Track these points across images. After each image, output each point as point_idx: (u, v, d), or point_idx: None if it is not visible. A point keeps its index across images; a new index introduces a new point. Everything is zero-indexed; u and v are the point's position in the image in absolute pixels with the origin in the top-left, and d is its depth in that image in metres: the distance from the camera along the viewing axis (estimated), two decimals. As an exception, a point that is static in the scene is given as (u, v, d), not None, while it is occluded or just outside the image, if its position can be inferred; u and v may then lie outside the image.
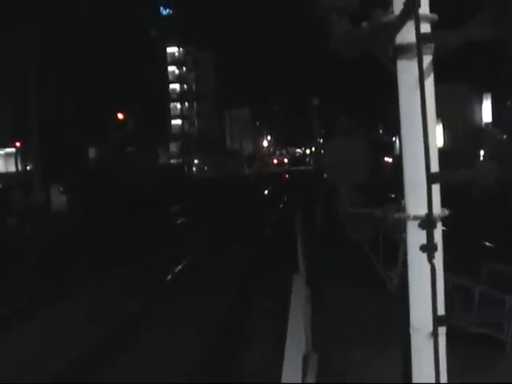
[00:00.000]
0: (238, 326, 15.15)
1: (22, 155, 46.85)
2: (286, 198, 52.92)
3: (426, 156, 2.95)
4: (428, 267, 3.01)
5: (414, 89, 3.21)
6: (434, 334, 3.05)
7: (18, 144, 47.21)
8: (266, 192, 64.80)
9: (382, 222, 3.46)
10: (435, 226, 3.04)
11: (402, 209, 3.27)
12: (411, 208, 3.24)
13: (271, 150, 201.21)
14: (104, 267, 23.11)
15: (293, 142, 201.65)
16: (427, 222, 2.97)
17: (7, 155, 56.05)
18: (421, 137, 3.12)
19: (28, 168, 45.36)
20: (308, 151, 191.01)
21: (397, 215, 3.29)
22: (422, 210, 3.09)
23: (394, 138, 61.88)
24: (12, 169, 50.75)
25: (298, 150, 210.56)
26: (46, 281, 20.58)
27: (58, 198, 38.41)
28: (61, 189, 39.61)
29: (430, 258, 2.94)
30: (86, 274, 21.90)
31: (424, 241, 3.02)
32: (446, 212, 3.23)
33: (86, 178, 50.26)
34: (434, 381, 3.10)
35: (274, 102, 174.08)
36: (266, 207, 45.31)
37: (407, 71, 3.34)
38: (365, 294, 13.75)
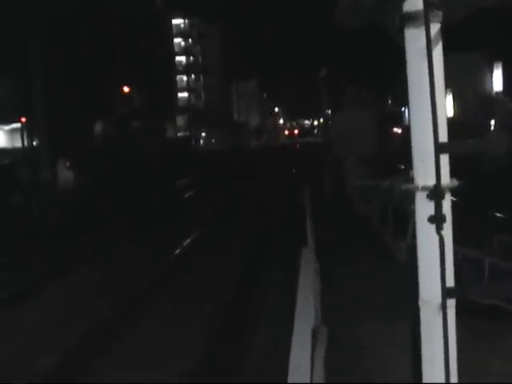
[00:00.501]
0: (246, 296, 15.14)
1: (28, 131, 46.72)
2: (294, 170, 52.89)
3: (434, 126, 2.89)
4: (437, 239, 2.99)
5: (422, 58, 3.16)
6: (443, 306, 3.03)
7: (23, 119, 47.05)
8: (273, 164, 64.68)
9: (389, 194, 3.39)
10: (443, 197, 3.00)
11: (411, 179, 3.19)
12: (420, 179, 3.16)
13: (279, 122, 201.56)
14: (111, 243, 23.13)
15: (300, 113, 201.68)
16: (435, 193, 2.92)
17: (13, 131, 55.98)
18: (429, 106, 3.08)
19: (34, 144, 45.26)
20: (316, 123, 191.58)
21: (405, 186, 3.22)
22: (431, 181, 3.06)
23: (402, 109, 61.53)
24: (18, 144, 50.70)
25: (306, 122, 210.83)
26: (54, 257, 20.59)
27: (65, 174, 38.37)
28: (67, 164, 39.57)
29: (439, 230, 2.92)
30: (93, 249, 21.92)
31: (433, 212, 3.00)
32: (456, 182, 3.16)
33: (92, 153, 50.22)
34: (443, 354, 3.08)
35: (281, 73, 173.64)
36: (274, 179, 45.24)
37: (415, 40, 3.24)
38: (374, 267, 13.69)
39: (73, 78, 51.47)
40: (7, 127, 57.40)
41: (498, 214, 20.49)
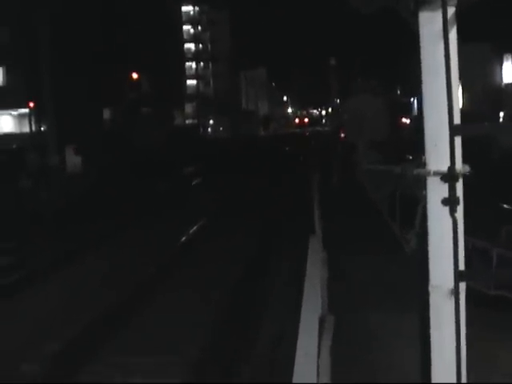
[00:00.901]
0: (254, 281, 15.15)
1: (36, 116, 46.74)
2: (301, 158, 52.82)
3: (450, 108, 2.86)
4: (448, 223, 3.00)
5: (437, 42, 3.14)
6: (455, 286, 3.04)
7: (31, 104, 47.09)
8: (282, 153, 64.54)
9: (401, 179, 3.38)
10: (457, 180, 2.98)
11: (423, 164, 3.16)
12: (432, 164, 3.15)
13: (288, 110, 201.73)
14: (118, 229, 23.14)
15: (309, 102, 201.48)
16: (449, 175, 2.90)
17: (21, 116, 56.05)
18: (443, 91, 3.09)
19: (42, 129, 45.29)
20: (324, 112, 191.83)
21: (416, 171, 3.19)
22: (443, 166, 3.06)
23: (411, 99, 61.23)
24: (26, 129, 50.77)
25: (315, 111, 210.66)
26: (61, 243, 20.60)
27: (73, 160, 38.40)
28: (75, 150, 39.58)
29: (452, 212, 2.92)
30: (101, 235, 21.94)
31: (444, 197, 3.02)
32: (468, 168, 3.12)
33: (100, 139, 50.24)
34: (453, 340, 3.09)
35: (290, 62, 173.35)
36: (281, 168, 45.15)
37: (430, 23, 3.22)
38: (381, 258, 13.65)
39: (81, 64, 51.44)
40: (15, 112, 57.48)
41: (506, 206, 20.40)
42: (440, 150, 3.10)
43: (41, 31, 35.21)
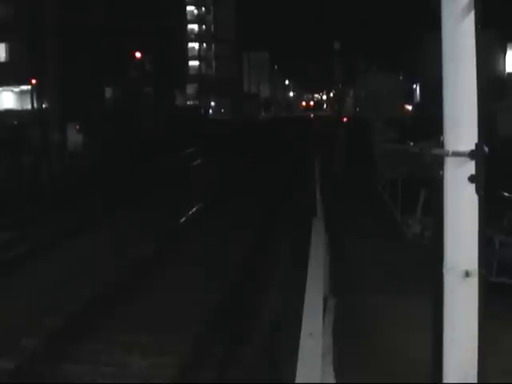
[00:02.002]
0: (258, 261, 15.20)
1: (38, 93, 46.57)
2: (305, 143, 52.73)
3: (479, 86, 2.87)
4: (465, 204, 3.06)
5: (459, 21, 3.12)
6: (479, 264, 3.10)
7: (33, 81, 46.92)
8: (284, 136, 64.30)
9: (418, 159, 3.39)
10: (484, 157, 2.98)
11: (441, 145, 3.17)
12: (450, 144, 3.17)
13: (290, 94, 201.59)
14: (120, 208, 23.16)
15: (311, 87, 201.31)
16: (477, 152, 2.92)
17: (22, 92, 55.89)
18: (463, 72, 3.08)
19: (44, 106, 45.12)
20: (325, 97, 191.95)
21: (435, 151, 3.18)
22: (462, 146, 3.09)
23: (414, 86, 61.03)
24: (27, 106, 50.61)
25: (317, 96, 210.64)
26: (63, 219, 20.62)
27: (74, 137, 38.32)
28: (77, 127, 39.49)
29: (479, 189, 2.94)
30: (102, 213, 21.96)
31: (462, 178, 3.06)
32: (487, 149, 3.13)
33: (102, 118, 50.11)
34: (465, 321, 3.15)
35: (293, 45, 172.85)
36: (283, 151, 45.10)
37: (452, 4, 3.20)
38: (382, 241, 13.68)
39: (85, 42, 51.25)
40: (16, 89, 57.31)
41: (507, 194, 20.36)
42: (459, 131, 3.11)
43: (45, 8, 34.99)
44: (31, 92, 48.71)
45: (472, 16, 3.12)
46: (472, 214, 3.07)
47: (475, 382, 3.15)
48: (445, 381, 3.15)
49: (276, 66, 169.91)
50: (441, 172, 3.16)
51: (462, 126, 3.09)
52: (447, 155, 3.11)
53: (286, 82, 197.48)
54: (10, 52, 56.45)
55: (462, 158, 3.04)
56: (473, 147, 3.02)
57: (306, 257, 8.83)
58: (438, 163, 3.18)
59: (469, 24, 3.06)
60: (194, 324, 11.07)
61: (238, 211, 22.20)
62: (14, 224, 19.42)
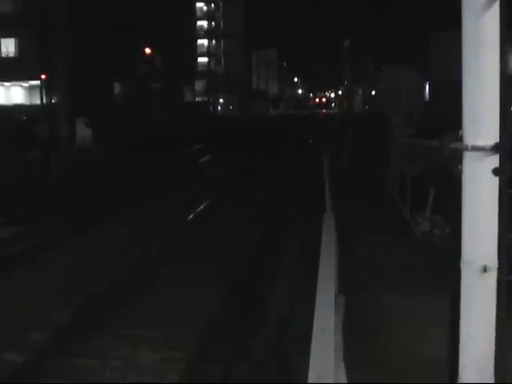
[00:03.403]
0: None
1: (47, 88, 46.69)
2: (311, 141, 52.67)
3: (502, 80, 2.85)
4: (484, 198, 3.04)
5: (481, 13, 3.09)
6: (500, 256, 3.07)
7: (43, 76, 47.05)
8: (292, 133, 64.24)
9: (437, 153, 3.33)
10: (509, 149, 2.96)
11: (460, 139, 3.15)
12: (469, 138, 3.16)
13: (299, 92, 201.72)
14: (128, 203, 23.18)
15: (319, 84, 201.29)
16: (502, 145, 2.90)
17: (31, 88, 56.05)
18: (484, 66, 3.05)
19: (53, 101, 45.22)
20: (333, 95, 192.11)
21: (454, 145, 3.17)
22: (481, 141, 3.08)
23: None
24: (36, 101, 50.77)
25: (326, 93, 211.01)
26: (71, 215, 20.64)
27: (83, 133, 38.40)
28: (86, 122, 39.56)
29: (503, 182, 2.90)
30: (109, 209, 21.99)
31: (481, 172, 3.06)
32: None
33: (111, 113, 50.19)
34: (482, 316, 3.13)
35: (302, 43, 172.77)
36: (291, 149, 45.05)
37: None
38: (392, 239, 13.64)
39: (95, 37, 51.32)
40: (26, 84, 57.48)
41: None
42: (478, 126, 3.09)
43: (55, 3, 34.99)
44: (40, 87, 48.89)
45: (494, 9, 3.10)
46: (490, 209, 3.05)
47: (492, 378, 3.13)
48: (461, 375, 3.13)
49: (285, 64, 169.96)
50: (459, 166, 3.15)
51: (482, 120, 3.07)
52: (467, 149, 3.10)
53: (295, 79, 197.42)
54: (20, 47, 56.63)
55: (482, 153, 3.02)
56: (492, 142, 3.00)
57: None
58: (457, 158, 3.17)
59: (491, 17, 3.04)
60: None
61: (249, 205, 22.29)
62: (20, 219, 19.45)
